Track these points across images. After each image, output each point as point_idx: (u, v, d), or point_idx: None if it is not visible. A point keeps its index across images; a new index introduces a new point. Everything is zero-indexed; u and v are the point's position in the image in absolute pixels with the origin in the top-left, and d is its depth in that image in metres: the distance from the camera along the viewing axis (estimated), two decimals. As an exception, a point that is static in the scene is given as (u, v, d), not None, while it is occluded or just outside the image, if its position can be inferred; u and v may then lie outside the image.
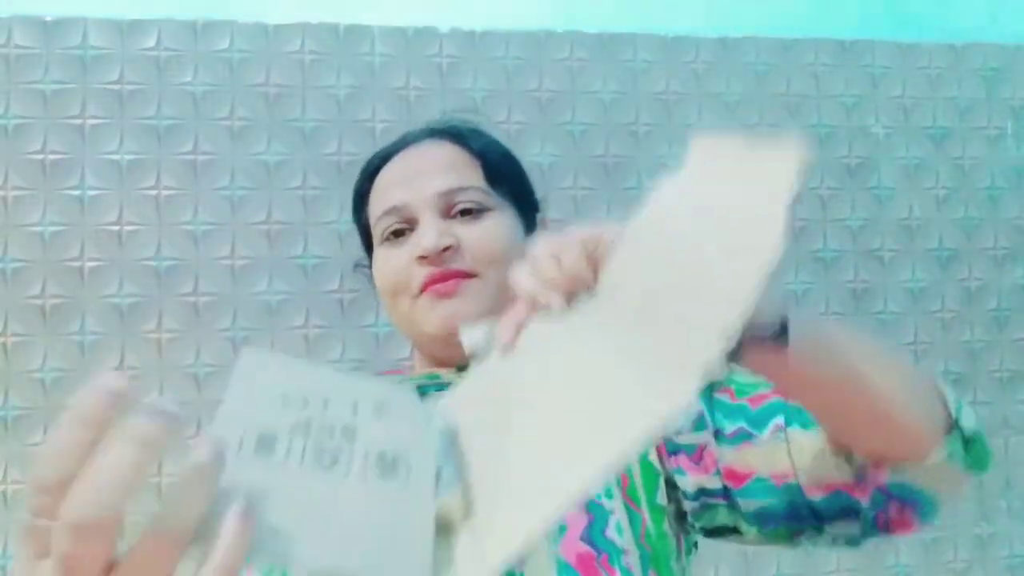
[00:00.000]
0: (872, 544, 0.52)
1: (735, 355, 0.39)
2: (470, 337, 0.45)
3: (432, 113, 1.15)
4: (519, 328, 0.42)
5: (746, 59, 1.24)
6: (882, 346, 0.46)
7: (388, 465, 0.36)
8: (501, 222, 0.66)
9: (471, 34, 1.18)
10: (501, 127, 1.14)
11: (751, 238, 0.31)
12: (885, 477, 0.47)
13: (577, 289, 0.41)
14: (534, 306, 0.42)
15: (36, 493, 0.26)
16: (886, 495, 0.48)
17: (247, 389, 0.37)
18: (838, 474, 0.50)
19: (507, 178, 0.69)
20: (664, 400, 0.30)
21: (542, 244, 0.43)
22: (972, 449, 0.48)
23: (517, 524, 0.33)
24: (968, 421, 0.48)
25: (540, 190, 0.75)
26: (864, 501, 0.49)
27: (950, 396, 0.48)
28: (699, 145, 0.38)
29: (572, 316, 0.40)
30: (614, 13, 1.23)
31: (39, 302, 1.06)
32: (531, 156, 1.15)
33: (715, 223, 0.34)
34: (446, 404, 0.43)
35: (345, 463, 0.35)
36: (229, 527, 0.26)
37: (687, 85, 1.22)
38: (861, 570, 1.19)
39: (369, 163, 0.73)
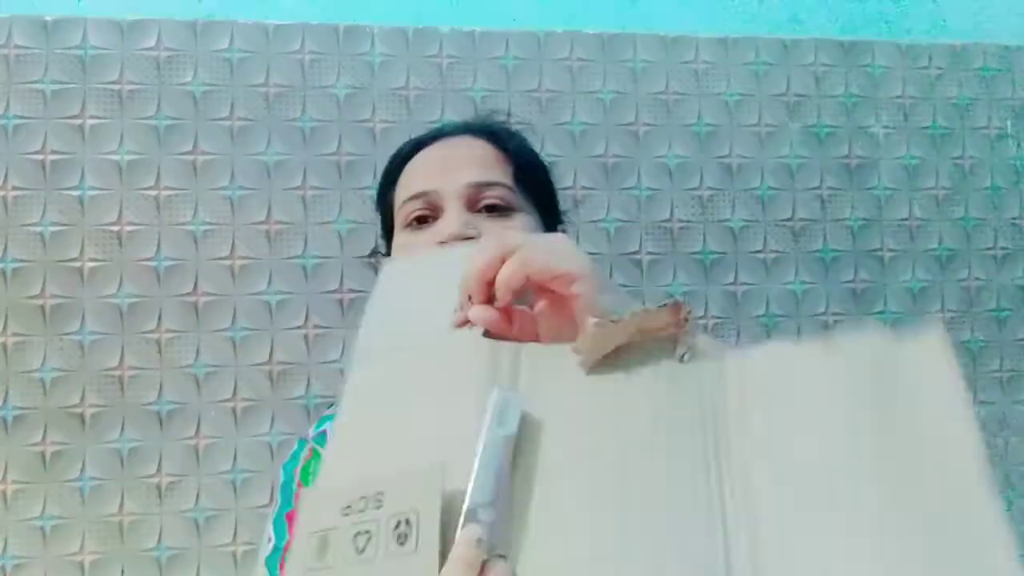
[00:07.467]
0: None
1: None
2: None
3: (432, 113, 1.16)
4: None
5: (746, 59, 1.24)
6: None
7: (403, 534, 0.35)
8: (525, 224, 0.66)
9: (471, 34, 1.18)
10: (501, 127, 1.14)
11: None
12: None
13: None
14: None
15: None
16: None
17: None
18: None
19: (535, 183, 0.70)
20: None
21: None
22: None
23: None
24: None
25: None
26: None
27: None
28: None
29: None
30: (614, 13, 1.23)
31: (39, 302, 1.06)
32: (531, 156, 1.14)
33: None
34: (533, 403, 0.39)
35: (373, 546, 0.35)
36: None
37: (687, 85, 1.22)
38: (861, 570, 1.19)
39: (401, 149, 0.74)
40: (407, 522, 0.35)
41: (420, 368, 0.44)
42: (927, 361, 0.34)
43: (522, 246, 0.44)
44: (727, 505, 0.34)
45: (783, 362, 0.38)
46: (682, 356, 0.39)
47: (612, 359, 0.39)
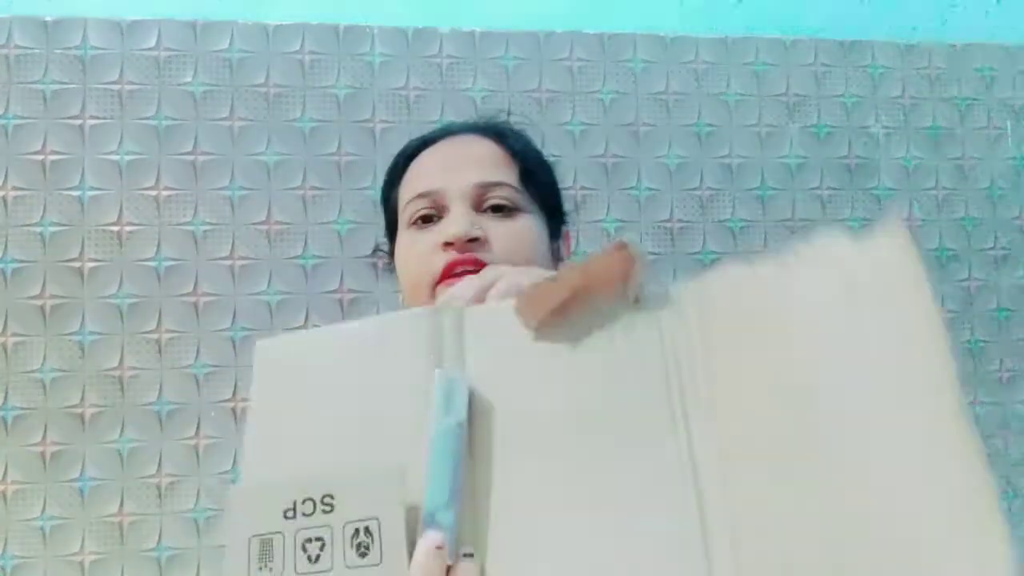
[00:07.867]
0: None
1: None
2: None
3: (432, 113, 1.16)
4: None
5: (746, 59, 1.24)
6: None
7: (363, 544, 0.33)
8: (530, 225, 0.66)
9: (471, 34, 1.18)
10: (501, 127, 1.14)
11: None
12: None
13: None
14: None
15: None
16: None
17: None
18: None
19: (540, 184, 0.70)
20: None
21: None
22: None
23: None
24: None
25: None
26: None
27: None
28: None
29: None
30: (614, 13, 1.23)
31: (39, 302, 1.06)
32: (531, 156, 1.15)
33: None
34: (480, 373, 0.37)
35: (328, 555, 0.33)
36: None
37: (687, 85, 1.22)
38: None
39: (407, 147, 0.74)
40: (367, 531, 0.33)
41: (350, 341, 0.40)
42: (892, 267, 0.33)
43: (511, 271, 0.44)
44: (698, 460, 0.33)
45: (741, 287, 0.36)
46: (635, 299, 0.36)
47: (563, 316, 0.37)
